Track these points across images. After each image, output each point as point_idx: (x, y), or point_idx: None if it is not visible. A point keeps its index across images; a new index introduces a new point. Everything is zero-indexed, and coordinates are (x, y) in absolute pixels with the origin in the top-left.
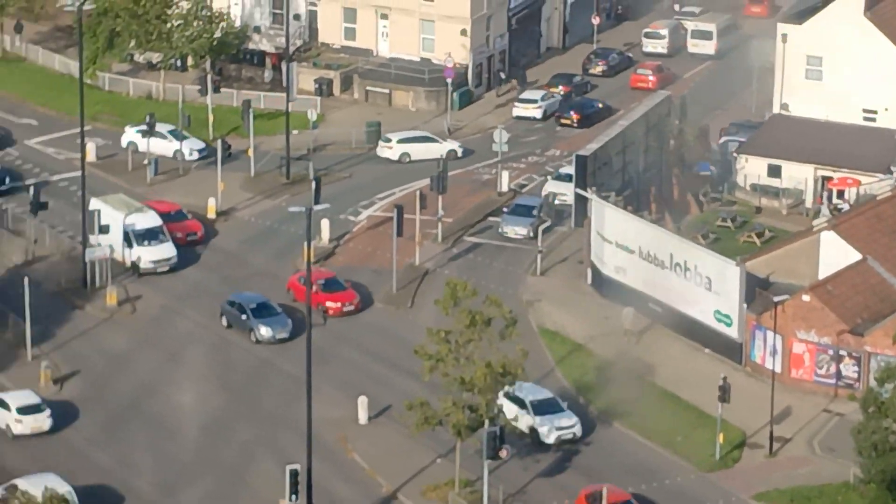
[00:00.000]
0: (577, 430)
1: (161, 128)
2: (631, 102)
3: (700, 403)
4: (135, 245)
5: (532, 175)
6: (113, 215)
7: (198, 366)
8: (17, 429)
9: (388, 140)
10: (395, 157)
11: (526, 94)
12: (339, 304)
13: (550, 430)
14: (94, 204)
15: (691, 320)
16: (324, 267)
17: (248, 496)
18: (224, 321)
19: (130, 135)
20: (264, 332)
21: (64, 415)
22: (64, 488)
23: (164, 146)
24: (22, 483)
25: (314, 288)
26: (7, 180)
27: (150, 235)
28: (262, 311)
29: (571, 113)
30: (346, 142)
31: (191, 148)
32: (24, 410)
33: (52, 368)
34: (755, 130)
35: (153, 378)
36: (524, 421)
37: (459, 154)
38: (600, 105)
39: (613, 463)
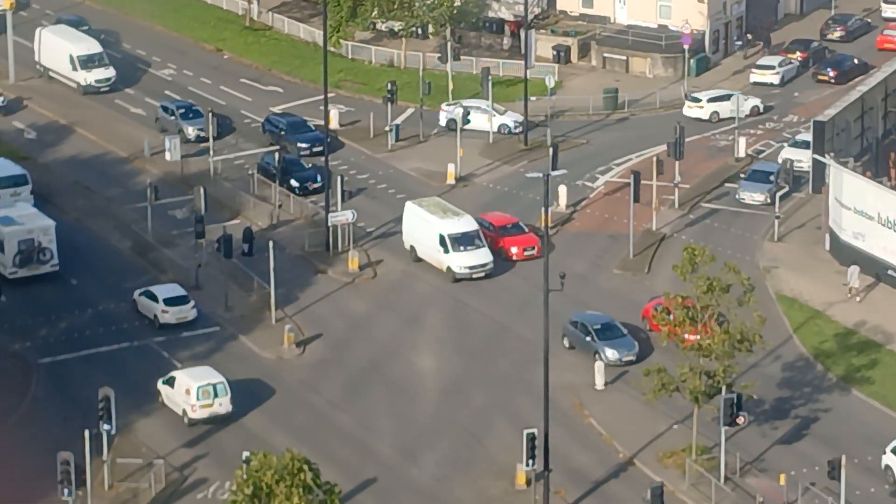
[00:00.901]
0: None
1: (479, 103)
2: (883, 62)
3: None
4: (450, 250)
5: (769, 141)
6: (428, 219)
7: (436, 329)
8: (164, 318)
9: (698, 100)
10: (706, 117)
11: (763, 61)
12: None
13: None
14: (410, 208)
15: None
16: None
17: (486, 460)
18: (566, 342)
19: (450, 112)
20: (610, 354)
21: (306, 379)
22: (218, 378)
23: (484, 121)
24: (180, 374)
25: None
26: (318, 178)
27: (465, 241)
28: (607, 332)
29: (829, 69)
30: (583, 108)
31: (514, 121)
32: (171, 301)
33: (294, 332)
34: None
35: (392, 341)
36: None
37: (762, 110)
38: (856, 61)
39: (852, 431)
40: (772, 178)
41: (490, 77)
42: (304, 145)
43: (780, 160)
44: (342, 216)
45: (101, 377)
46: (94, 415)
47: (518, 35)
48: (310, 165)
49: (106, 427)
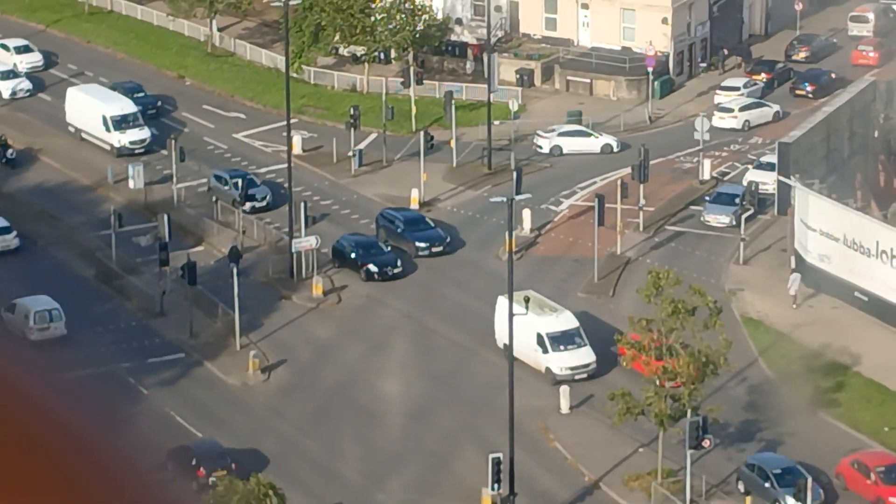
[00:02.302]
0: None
1: (574, 126)
2: (858, 76)
3: None
4: (549, 350)
5: (734, 163)
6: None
7: (401, 354)
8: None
9: (730, 110)
10: (739, 126)
11: (728, 82)
12: None
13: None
14: (503, 303)
15: None
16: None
17: (453, 484)
18: (741, 486)
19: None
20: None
21: (271, 404)
22: (54, 305)
23: (588, 143)
24: (19, 301)
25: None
26: (399, 262)
27: (565, 340)
28: (787, 476)
29: (806, 84)
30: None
31: (616, 140)
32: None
33: (259, 357)
34: None
35: (358, 367)
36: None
37: (781, 115)
38: (833, 75)
39: (818, 453)
40: (737, 200)
41: (453, 101)
42: (422, 244)
43: (745, 182)
44: (306, 242)
45: None
46: None
47: (481, 59)
48: (388, 249)
49: None
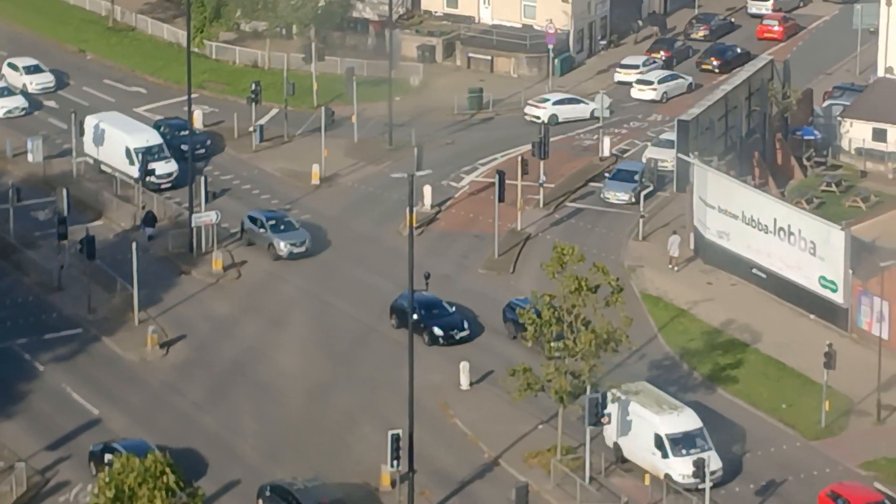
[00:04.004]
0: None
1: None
2: (763, 51)
3: (805, 370)
4: (670, 454)
5: (634, 140)
6: (638, 412)
7: (301, 331)
8: None
9: (649, 82)
10: (658, 98)
11: (627, 60)
12: None
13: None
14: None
15: (796, 286)
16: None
17: (351, 461)
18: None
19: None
20: None
21: (170, 380)
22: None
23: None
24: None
25: None
26: (465, 324)
27: (688, 442)
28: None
29: (711, 58)
30: (448, 108)
31: (607, 107)
32: None
33: (158, 333)
34: (859, 94)
35: (257, 343)
36: None
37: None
38: (739, 50)
39: (718, 429)
40: (636, 177)
41: (354, 77)
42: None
43: (644, 159)
44: (206, 217)
45: None
46: None
47: (382, 35)
48: (452, 310)
49: None
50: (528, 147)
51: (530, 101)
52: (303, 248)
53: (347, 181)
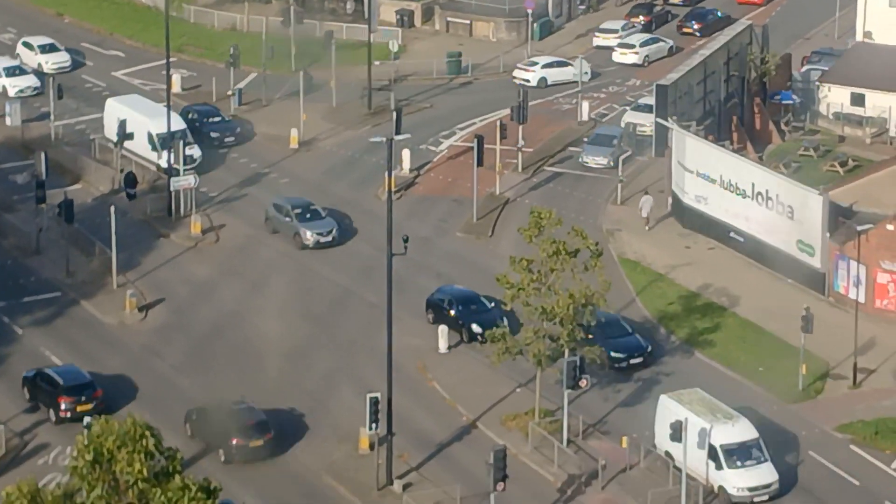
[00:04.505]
0: None
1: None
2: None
3: (782, 334)
4: (724, 466)
5: (612, 104)
6: (693, 421)
7: (280, 294)
8: None
9: (631, 45)
10: (640, 61)
11: (606, 24)
12: None
13: None
14: (665, 402)
15: (773, 250)
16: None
17: (330, 425)
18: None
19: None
20: None
21: (148, 344)
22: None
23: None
24: None
25: None
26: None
27: (743, 454)
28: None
29: (693, 23)
30: (427, 72)
31: (590, 68)
32: None
33: (137, 296)
34: (838, 59)
35: (236, 306)
36: None
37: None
38: (720, 13)
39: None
40: (615, 141)
41: (333, 41)
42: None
43: (622, 124)
44: (184, 181)
45: None
46: None
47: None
48: (492, 304)
49: None
50: (507, 111)
51: (519, 65)
52: (329, 238)
53: (326, 145)
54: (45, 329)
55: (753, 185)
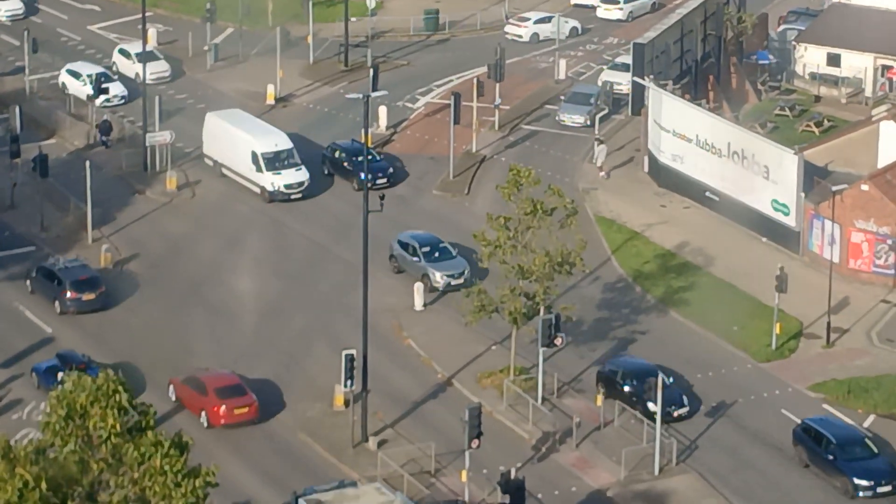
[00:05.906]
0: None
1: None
2: None
3: (757, 293)
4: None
5: (589, 63)
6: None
7: (255, 251)
8: None
9: (616, 1)
10: (624, 17)
11: None
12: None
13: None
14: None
15: (748, 209)
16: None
17: (305, 382)
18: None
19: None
20: None
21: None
22: None
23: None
24: None
25: None
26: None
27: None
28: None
29: None
30: (404, 29)
31: (580, 24)
32: None
33: (112, 252)
34: (814, 19)
35: (211, 263)
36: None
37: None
38: None
39: (669, 352)
40: (592, 100)
41: None
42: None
43: (599, 82)
44: (160, 136)
45: None
46: None
47: None
48: (671, 381)
49: None
50: (484, 69)
51: (511, 20)
52: (461, 280)
53: (303, 101)
54: (20, 284)
55: (729, 144)
